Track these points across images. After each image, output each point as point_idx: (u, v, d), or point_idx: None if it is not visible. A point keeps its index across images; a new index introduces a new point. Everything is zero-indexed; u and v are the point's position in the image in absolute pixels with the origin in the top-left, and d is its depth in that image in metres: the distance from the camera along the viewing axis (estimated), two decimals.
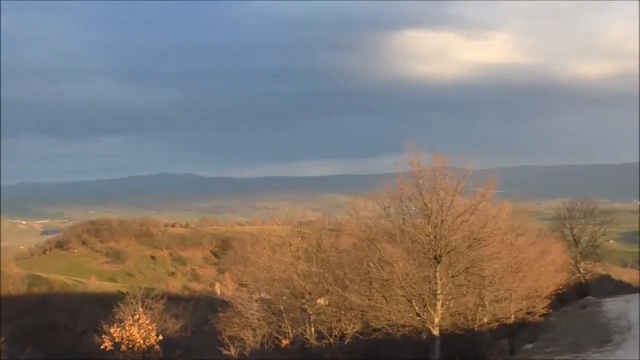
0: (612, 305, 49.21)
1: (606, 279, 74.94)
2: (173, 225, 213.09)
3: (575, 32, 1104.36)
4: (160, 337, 37.58)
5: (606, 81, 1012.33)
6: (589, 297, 59.46)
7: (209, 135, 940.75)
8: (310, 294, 37.29)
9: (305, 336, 36.77)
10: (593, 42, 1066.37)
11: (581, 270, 68.10)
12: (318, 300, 38.56)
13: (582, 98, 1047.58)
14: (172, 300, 62.62)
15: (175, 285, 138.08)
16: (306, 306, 37.06)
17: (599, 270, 72.27)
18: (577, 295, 60.78)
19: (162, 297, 45.06)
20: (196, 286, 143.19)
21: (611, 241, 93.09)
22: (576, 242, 69.67)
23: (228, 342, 38.04)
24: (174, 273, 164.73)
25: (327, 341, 35.89)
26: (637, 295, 63.57)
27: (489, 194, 34.75)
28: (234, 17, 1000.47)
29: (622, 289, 74.42)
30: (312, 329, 36.91)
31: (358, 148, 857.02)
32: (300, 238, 41.65)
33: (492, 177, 36.23)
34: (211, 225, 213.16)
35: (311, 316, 37.00)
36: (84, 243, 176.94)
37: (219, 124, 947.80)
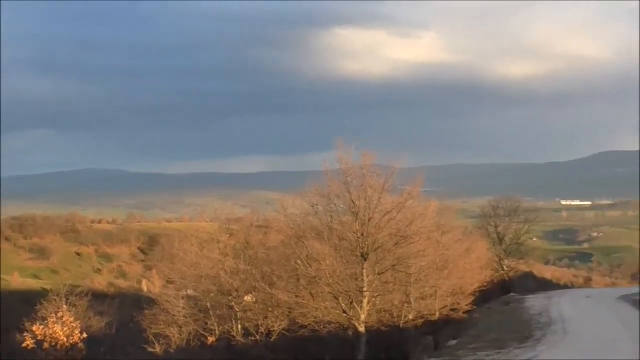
0: (534, 302, 50.26)
1: (529, 276, 76.51)
2: (99, 222, 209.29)
3: (502, 33, 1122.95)
4: (84, 335, 36.86)
5: (531, 81, 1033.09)
6: (512, 293, 60.54)
7: (137, 131, 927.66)
8: (237, 290, 37.14)
9: (232, 333, 36.59)
10: (518, 43, 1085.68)
11: (505, 267, 69.41)
12: (245, 297, 38.44)
13: (508, 97, 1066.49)
14: (98, 297, 61.68)
15: (100, 282, 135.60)
16: (233, 303, 36.89)
17: (522, 267, 73.78)
18: (501, 291, 61.81)
19: (86, 294, 44.26)
20: (122, 283, 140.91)
21: (534, 239, 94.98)
22: (500, 239, 70.98)
23: (153, 339, 37.57)
24: (99, 270, 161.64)
25: (253, 338, 35.76)
26: (558, 291, 65.29)
27: (415, 191, 35.16)
28: (164, 13, 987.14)
29: (544, 285, 76.13)
30: (239, 325, 36.76)
31: (288, 145, 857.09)
32: (228, 235, 41.45)
33: (419, 175, 36.65)
34: (138, 222, 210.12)
35: (238, 313, 36.84)
36: (6, 239, 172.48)
37: (148, 119, 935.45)
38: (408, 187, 34.96)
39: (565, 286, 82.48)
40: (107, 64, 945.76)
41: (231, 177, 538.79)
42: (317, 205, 33.10)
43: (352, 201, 31.94)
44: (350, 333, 32.76)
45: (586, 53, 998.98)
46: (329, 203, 33.01)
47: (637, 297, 51.75)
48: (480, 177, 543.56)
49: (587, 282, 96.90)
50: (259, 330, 35.84)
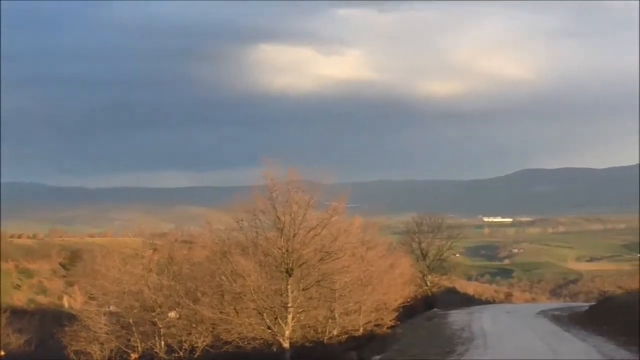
0: (457, 317, 51.00)
1: (452, 291, 77.64)
2: (19, 236, 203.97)
3: (426, 51, 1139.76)
4: (2, 352, 36.04)
5: (455, 99, 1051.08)
6: (435, 309, 61.32)
7: (58, 143, 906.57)
8: (161, 307, 36.77)
9: (155, 350, 36.20)
10: (442, 61, 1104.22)
11: (428, 283, 70.32)
12: (169, 314, 38.06)
13: (433, 115, 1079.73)
14: (17, 314, 60.13)
15: (20, 299, 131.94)
16: (156, 319, 36.50)
17: (445, 283, 74.78)
18: (424, 307, 62.57)
19: (5, 311, 43.27)
20: (43, 299, 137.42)
21: (457, 255, 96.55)
22: (424, 255, 71.91)
23: (74, 356, 36.92)
24: (19, 286, 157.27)
25: (176, 355, 35.44)
26: (480, 307, 66.40)
27: (340, 207, 35.38)
28: (86, 21, 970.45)
29: (467, 301, 77.35)
30: (162, 342, 36.38)
31: (215, 160, 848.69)
32: (152, 250, 41.04)
33: (344, 191, 36.91)
34: (60, 237, 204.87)
35: (161, 329, 36.48)
36: None
37: (69, 132, 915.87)
38: (333, 203, 35.18)
39: (487, 302, 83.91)
40: (23, 74, 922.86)
41: (156, 192, 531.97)
42: (242, 221, 33.04)
43: (278, 217, 32.00)
44: (275, 349, 32.69)
45: (507, 72, 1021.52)
46: (255, 219, 32.99)
47: (556, 313, 53.25)
48: (404, 193, 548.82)
49: (508, 297, 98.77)
50: (183, 347, 35.53)
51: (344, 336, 38.48)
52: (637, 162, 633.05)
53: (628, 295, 49.81)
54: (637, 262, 74.85)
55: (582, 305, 62.57)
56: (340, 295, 37.59)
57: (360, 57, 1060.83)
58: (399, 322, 46.09)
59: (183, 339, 35.73)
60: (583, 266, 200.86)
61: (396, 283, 48.29)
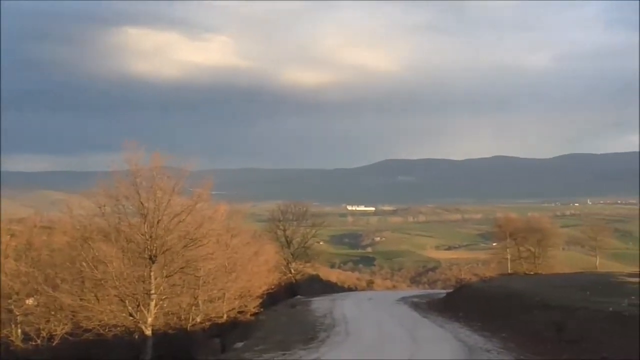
0: (320, 304, 51.68)
1: (315, 278, 78.41)
2: None
3: (293, 40, 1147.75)
4: None
5: (322, 89, 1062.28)
6: (298, 296, 61.91)
7: None
8: (18, 294, 35.56)
9: (11, 338, 34.98)
10: (309, 51, 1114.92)
11: (292, 271, 70.90)
12: (27, 301, 36.86)
13: (299, 104, 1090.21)
14: None
15: None
16: (13, 307, 35.27)
17: (309, 270, 75.49)
18: (288, 294, 63.09)
19: None
20: None
21: (321, 243, 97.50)
22: (288, 243, 72.43)
23: None
24: None
25: (34, 343, 34.42)
26: (343, 294, 67.54)
27: (205, 194, 35.28)
28: None
29: (330, 288, 78.45)
30: (19, 330, 35.22)
31: (76, 144, 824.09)
32: (9, 236, 39.63)
33: (209, 178, 36.77)
34: None
35: (18, 317, 35.28)
36: None
37: None
38: (198, 189, 35.02)
39: (349, 289, 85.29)
40: None
41: (15, 176, 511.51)
42: (104, 206, 32.37)
43: (141, 203, 31.58)
44: (137, 336, 32.31)
45: (372, 64, 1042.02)
46: (117, 204, 32.40)
47: (415, 300, 54.89)
48: (270, 181, 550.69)
49: (370, 285, 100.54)
50: (41, 335, 34.54)
51: (208, 323, 38.40)
52: (494, 154, 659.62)
53: (482, 283, 51.96)
54: (492, 251, 77.91)
55: (440, 292, 64.76)
56: (204, 282, 37.53)
57: (227, 44, 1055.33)
58: (262, 309, 46.39)
59: (41, 327, 34.72)
60: (442, 254, 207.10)
61: (260, 270, 48.55)
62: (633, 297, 28.88)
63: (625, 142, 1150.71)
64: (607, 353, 21.80)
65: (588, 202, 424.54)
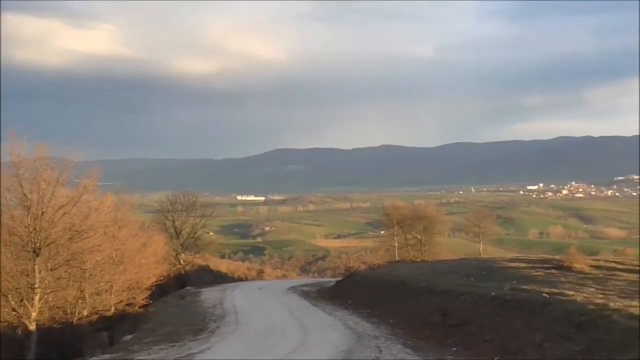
0: (210, 295, 51.56)
1: (205, 269, 78.03)
2: None
3: (180, 29, 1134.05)
4: None
5: (209, 79, 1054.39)
6: (188, 287, 61.47)
7: None
8: None
9: None
10: (196, 40, 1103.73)
11: (182, 262, 70.30)
12: None
13: (187, 94, 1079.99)
14: None
15: None
16: None
17: (199, 261, 75.02)
18: (177, 285, 62.58)
19: None
20: None
21: (211, 233, 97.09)
22: (178, 234, 71.76)
23: None
24: None
25: None
26: (233, 284, 67.48)
27: (91, 185, 34.61)
28: None
29: (220, 278, 78.23)
30: None
31: None
32: None
33: (96, 168, 36.08)
34: None
35: None
36: None
37: None
38: (84, 180, 34.31)
39: (239, 279, 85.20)
40: None
41: None
42: None
43: (24, 195, 30.69)
44: (20, 332, 31.40)
45: (260, 53, 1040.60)
46: None
47: (305, 288, 55.41)
48: (159, 172, 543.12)
49: (260, 274, 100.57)
50: None
51: (95, 316, 37.73)
52: (382, 143, 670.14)
53: (371, 270, 52.87)
54: (380, 239, 79.32)
55: (330, 280, 65.54)
56: (91, 275, 36.80)
57: (114, 33, 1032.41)
58: (151, 301, 45.91)
59: None
60: (331, 243, 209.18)
61: (149, 262, 47.96)
62: (514, 282, 29.99)
63: (506, 131, 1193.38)
64: (489, 336, 22.60)
65: (472, 189, 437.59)
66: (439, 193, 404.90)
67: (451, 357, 21.86)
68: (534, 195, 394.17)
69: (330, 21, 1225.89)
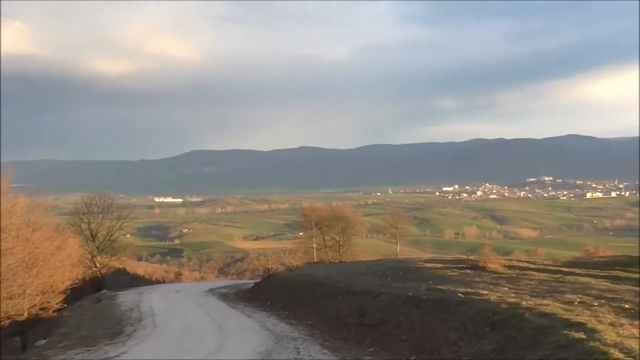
0: (126, 298, 50.88)
1: (122, 272, 76.97)
2: None
3: (94, 28, 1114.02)
4: None
5: (125, 79, 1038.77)
6: (104, 290, 60.57)
7: None
8: None
9: None
10: (111, 40, 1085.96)
11: (97, 265, 69.10)
12: None
13: (102, 94, 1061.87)
14: None
15: None
16: None
17: (115, 264, 73.90)
18: (93, 289, 61.52)
19: None
20: None
21: (128, 235, 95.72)
22: (93, 236, 70.48)
23: None
24: None
25: None
26: (150, 287, 66.76)
27: (4, 187, 33.79)
28: None
29: (137, 281, 77.29)
30: None
31: None
32: None
33: (8, 170, 35.27)
34: None
35: None
36: None
37: None
38: None
39: (157, 281, 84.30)
40: None
41: None
42: None
43: None
44: None
45: (176, 54, 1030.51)
46: None
47: (223, 291, 55.23)
48: (73, 173, 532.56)
49: (178, 277, 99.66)
50: None
51: (7, 321, 36.77)
52: (301, 145, 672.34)
53: (289, 272, 52.99)
54: (299, 241, 79.59)
55: (248, 282, 65.50)
56: (3, 279, 35.85)
57: (23, 31, 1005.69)
58: (66, 305, 44.98)
59: None
60: (249, 245, 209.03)
61: (64, 265, 47.00)
62: (430, 282, 30.53)
63: (422, 133, 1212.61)
64: (406, 336, 22.98)
65: (389, 191, 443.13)
66: (356, 194, 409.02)
67: (368, 357, 22.13)
68: (449, 197, 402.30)
69: (247, 22, 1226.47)
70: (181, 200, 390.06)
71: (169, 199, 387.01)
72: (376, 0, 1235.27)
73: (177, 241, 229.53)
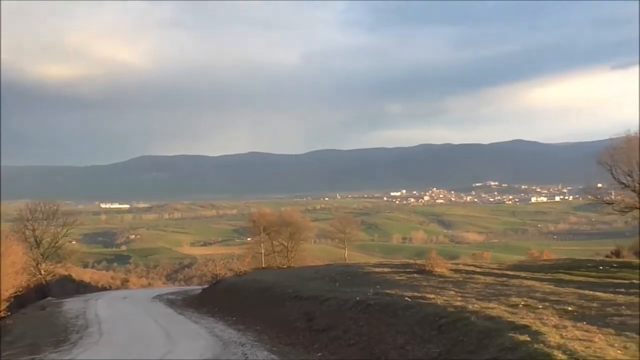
0: (72, 305, 50.24)
1: (67, 279, 75.84)
2: None
3: (42, 33, 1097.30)
4: None
5: (71, 84, 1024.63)
6: (49, 297, 59.72)
7: None
8: None
9: None
10: (57, 44, 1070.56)
11: (42, 272, 68.11)
12: None
13: (47, 99, 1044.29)
14: None
15: None
16: None
17: (61, 271, 72.84)
18: (38, 296, 60.60)
19: None
20: None
21: (73, 242, 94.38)
22: (38, 243, 69.47)
23: None
24: None
25: None
26: (97, 294, 66.03)
27: None
28: None
29: (83, 288, 76.22)
30: None
31: None
32: None
33: None
34: None
35: None
36: None
37: None
38: None
39: (104, 288, 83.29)
40: None
41: None
42: None
43: None
44: None
45: (124, 59, 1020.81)
46: None
47: (171, 297, 54.92)
48: (17, 179, 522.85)
49: (125, 283, 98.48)
50: None
51: None
52: (250, 150, 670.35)
53: (237, 277, 52.90)
54: (247, 246, 79.41)
55: (196, 288, 65.14)
56: None
57: None
58: (10, 313, 44.24)
59: None
60: (197, 251, 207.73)
61: (7, 272, 46.16)
62: (378, 287, 30.75)
63: (371, 138, 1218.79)
64: (354, 340, 23.12)
65: (337, 196, 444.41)
66: (305, 200, 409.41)
67: None
68: (397, 202, 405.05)
69: (195, 27, 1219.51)
70: (128, 206, 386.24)
71: (116, 205, 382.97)
72: (324, 2, 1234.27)
73: (123, 247, 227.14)
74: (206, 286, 57.65)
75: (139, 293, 66.92)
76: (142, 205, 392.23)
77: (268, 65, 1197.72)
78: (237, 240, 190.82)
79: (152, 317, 39.34)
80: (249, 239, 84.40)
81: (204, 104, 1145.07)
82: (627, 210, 42.77)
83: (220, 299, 44.37)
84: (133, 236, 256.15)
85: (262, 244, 70.26)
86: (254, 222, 74.06)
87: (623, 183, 41.43)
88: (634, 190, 41.06)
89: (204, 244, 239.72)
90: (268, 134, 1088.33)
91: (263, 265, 65.99)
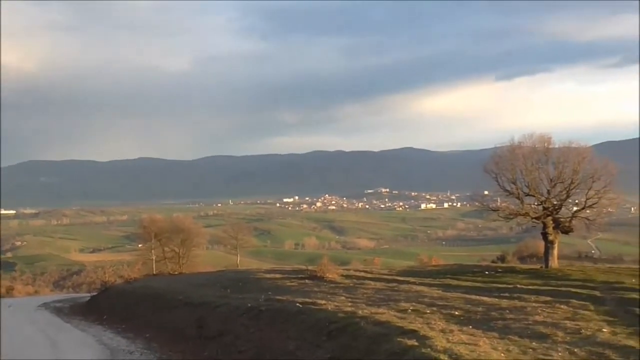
0: None
1: None
2: None
3: None
4: None
5: None
6: None
7: None
8: None
9: None
10: None
11: None
12: None
13: None
14: None
15: None
16: None
17: None
18: None
19: None
20: None
21: None
22: None
23: None
24: None
25: None
26: None
27: None
28: None
29: None
30: None
31: None
32: None
33: None
34: None
35: None
36: None
37: None
38: None
39: None
40: None
41: None
42: None
43: None
44: None
45: (9, 62, 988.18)
46: None
47: (58, 305, 53.53)
48: None
49: (10, 291, 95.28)
50: None
51: None
52: (140, 156, 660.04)
53: (127, 284, 52.05)
54: (138, 253, 78.23)
55: (85, 295, 63.76)
56: None
57: None
58: None
59: None
60: (86, 257, 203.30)
61: None
62: (270, 293, 30.83)
63: (264, 145, 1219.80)
64: (245, 347, 23.10)
65: (230, 202, 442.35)
66: (197, 206, 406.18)
67: None
68: (289, 208, 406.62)
69: (82, 31, 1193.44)
70: (14, 211, 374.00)
71: (1, 211, 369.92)
72: (215, 8, 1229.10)
73: (9, 254, 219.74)
74: (95, 293, 56.49)
75: (24, 301, 64.93)
76: (29, 210, 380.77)
77: (161, 70, 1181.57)
78: (128, 247, 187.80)
79: (37, 326, 38.26)
80: (139, 245, 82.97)
81: (93, 109, 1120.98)
82: (511, 217, 44.13)
83: (109, 307, 43.60)
84: (19, 243, 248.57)
85: (153, 251, 69.32)
86: (145, 228, 73.00)
87: (507, 190, 42.76)
88: (517, 198, 42.47)
89: (94, 251, 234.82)
90: (159, 139, 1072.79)
91: (154, 272, 65.05)
